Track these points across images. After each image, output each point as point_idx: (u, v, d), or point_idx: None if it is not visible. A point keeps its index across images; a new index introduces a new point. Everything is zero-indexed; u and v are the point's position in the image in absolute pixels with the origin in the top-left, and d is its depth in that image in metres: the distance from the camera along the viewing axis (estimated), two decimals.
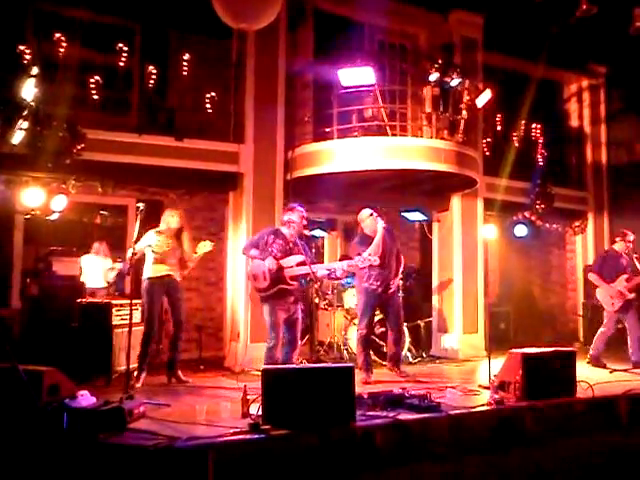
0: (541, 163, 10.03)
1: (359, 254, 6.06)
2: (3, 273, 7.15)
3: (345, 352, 7.97)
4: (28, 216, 6.92)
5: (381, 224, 6.50)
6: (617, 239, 7.71)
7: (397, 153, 7.78)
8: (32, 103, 6.15)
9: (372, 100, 8.46)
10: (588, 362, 7.43)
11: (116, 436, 3.99)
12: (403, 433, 4.54)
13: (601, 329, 7.54)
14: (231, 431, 4.12)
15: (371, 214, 6.63)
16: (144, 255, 6.28)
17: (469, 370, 7.72)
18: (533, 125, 9.97)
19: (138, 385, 6.01)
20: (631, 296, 7.26)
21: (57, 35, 6.90)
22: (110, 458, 3.84)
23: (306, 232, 6.09)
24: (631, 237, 7.57)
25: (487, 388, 5.72)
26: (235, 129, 8.09)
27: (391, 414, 4.70)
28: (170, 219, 6.38)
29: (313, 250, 9.47)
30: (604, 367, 7.25)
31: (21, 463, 3.77)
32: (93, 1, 7.65)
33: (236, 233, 7.94)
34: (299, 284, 5.81)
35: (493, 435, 4.93)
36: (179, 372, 6.40)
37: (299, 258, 5.65)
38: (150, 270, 6.24)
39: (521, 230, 9.82)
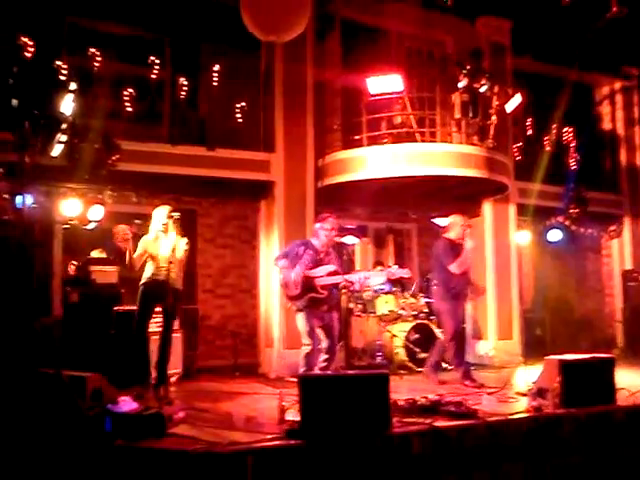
0: (574, 167, 9.90)
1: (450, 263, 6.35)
2: (44, 282, 7.31)
3: (379, 358, 7.96)
4: (67, 226, 7.08)
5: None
6: None
7: (427, 159, 7.77)
8: (70, 117, 6.30)
9: (401, 107, 8.46)
10: None
11: (156, 441, 4.05)
12: (440, 440, 4.52)
13: None
14: (269, 437, 4.15)
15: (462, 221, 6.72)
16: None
17: (505, 377, 7.62)
18: (565, 128, 9.85)
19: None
20: None
21: (92, 50, 7.07)
22: (151, 462, 3.89)
23: (337, 239, 6.13)
24: None
25: (524, 395, 5.66)
26: (265, 138, 8.17)
27: (427, 421, 4.67)
28: (159, 216, 5.88)
29: (344, 257, 9.54)
30: None
31: (64, 467, 3.85)
32: (125, 15, 7.83)
33: (268, 241, 8.01)
34: (331, 293, 5.82)
35: (531, 443, 4.86)
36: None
37: (330, 268, 5.69)
38: (145, 274, 5.88)
39: (555, 235, 9.70)
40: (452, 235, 6.71)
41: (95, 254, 7.36)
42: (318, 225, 5.91)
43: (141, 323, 5.81)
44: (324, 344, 5.75)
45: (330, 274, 5.66)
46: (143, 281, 5.85)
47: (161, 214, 5.85)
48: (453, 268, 6.48)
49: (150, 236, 5.85)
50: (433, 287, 6.94)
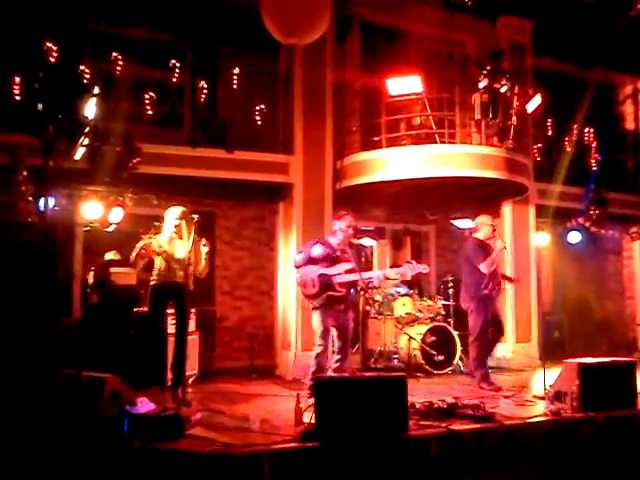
0: (595, 168, 9.79)
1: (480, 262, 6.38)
2: (65, 284, 7.43)
3: (395, 361, 7.95)
4: (87, 228, 7.18)
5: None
6: None
7: (446, 160, 7.74)
8: (93, 120, 6.39)
9: (420, 108, 8.44)
10: None
11: (174, 442, 4.10)
12: (457, 443, 4.51)
13: None
14: (285, 439, 4.18)
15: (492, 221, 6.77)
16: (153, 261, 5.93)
17: (523, 380, 7.57)
18: (586, 129, 9.74)
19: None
20: None
21: (114, 54, 7.17)
22: (168, 463, 3.95)
23: (354, 240, 6.12)
24: None
25: (542, 398, 5.63)
26: (284, 140, 8.20)
27: (444, 424, 4.67)
28: (171, 217, 5.91)
29: (362, 259, 9.54)
30: None
31: (83, 467, 3.92)
32: (146, 19, 7.91)
33: (287, 243, 8.04)
34: (348, 292, 5.83)
35: (549, 446, 4.84)
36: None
37: (348, 265, 5.68)
38: (155, 274, 5.90)
39: (575, 237, 9.59)
40: (480, 235, 6.72)
41: (109, 256, 7.46)
42: (336, 223, 5.97)
43: (152, 324, 5.87)
44: (337, 344, 5.76)
45: (347, 272, 5.67)
46: (152, 282, 5.88)
47: (173, 215, 5.90)
48: (483, 267, 6.47)
49: (163, 236, 5.89)
50: (463, 288, 6.92)
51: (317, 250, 5.76)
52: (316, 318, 5.75)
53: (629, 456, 4.93)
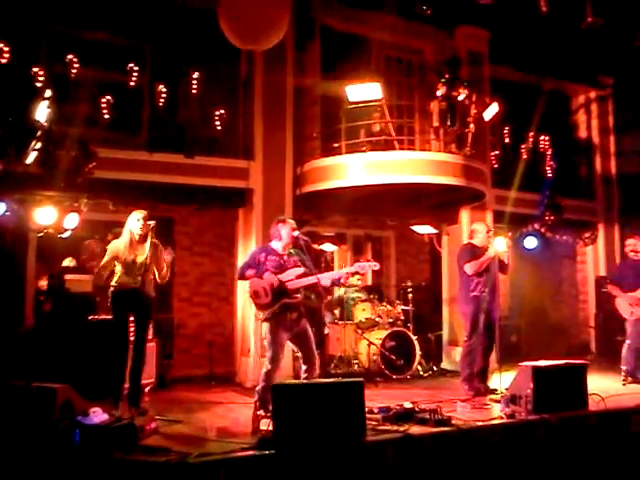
0: (550, 175, 10.04)
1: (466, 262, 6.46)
2: (17, 291, 7.23)
3: (356, 366, 7.98)
4: (41, 234, 7.01)
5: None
6: (630, 247, 7.50)
7: (405, 167, 7.82)
8: (45, 124, 6.25)
9: (380, 115, 8.52)
10: (624, 381, 7.08)
11: (128, 452, 4.02)
12: (414, 447, 4.54)
13: (626, 342, 7.27)
14: (242, 447, 4.15)
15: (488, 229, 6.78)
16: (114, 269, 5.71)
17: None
18: (541, 137, 9.99)
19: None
20: None
21: (69, 56, 7.04)
22: (122, 474, 3.87)
23: (316, 246, 6.03)
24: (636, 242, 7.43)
25: (498, 402, 5.71)
26: (244, 145, 8.19)
27: (401, 429, 4.70)
28: (134, 220, 5.67)
29: (322, 265, 9.54)
30: None
31: (34, 478, 3.82)
32: (105, 23, 7.79)
33: (246, 249, 7.99)
34: (304, 297, 5.68)
35: (504, 449, 4.92)
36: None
37: (298, 271, 5.40)
38: (116, 280, 5.67)
39: (531, 242, 9.79)
40: (477, 241, 6.74)
41: (66, 262, 7.29)
42: (279, 228, 5.58)
43: (116, 331, 5.63)
44: (300, 355, 5.52)
45: (299, 277, 5.39)
46: (114, 288, 5.65)
47: (135, 219, 5.69)
48: (467, 268, 6.53)
49: (122, 241, 5.69)
50: (457, 291, 7.04)
51: (263, 257, 5.48)
52: (268, 331, 5.37)
53: (581, 455, 5.03)
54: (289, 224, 5.56)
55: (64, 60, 7.04)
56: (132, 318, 5.76)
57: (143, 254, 5.59)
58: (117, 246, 5.66)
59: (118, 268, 5.65)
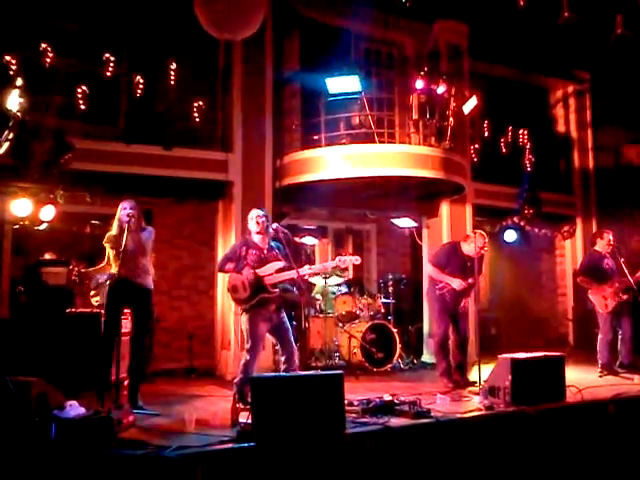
0: (529, 168, 10.11)
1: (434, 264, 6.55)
2: None
3: (336, 359, 7.98)
4: (17, 226, 6.89)
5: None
6: (597, 240, 7.59)
7: (385, 160, 7.83)
8: (18, 113, 6.12)
9: (359, 108, 8.50)
10: (600, 373, 7.13)
11: (105, 446, 3.96)
12: (393, 439, 4.55)
13: (599, 335, 7.32)
14: (220, 440, 4.11)
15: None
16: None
17: None
18: (520, 131, 10.05)
19: None
20: (624, 297, 7.13)
21: (43, 45, 6.91)
22: (98, 468, 3.81)
23: (297, 239, 6.01)
24: (609, 236, 7.44)
25: (477, 394, 5.75)
26: (224, 137, 8.13)
27: (381, 421, 4.70)
28: (125, 209, 5.50)
29: (303, 258, 9.53)
30: (617, 375, 7.03)
31: (7, 473, 3.75)
32: (81, 12, 7.67)
33: (226, 241, 7.94)
34: (285, 290, 5.67)
35: (483, 440, 4.94)
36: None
37: (277, 265, 5.37)
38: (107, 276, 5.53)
39: (510, 236, 9.87)
40: (465, 248, 6.65)
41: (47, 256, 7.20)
42: (257, 221, 5.49)
43: (109, 327, 5.42)
44: (279, 347, 5.53)
45: (278, 271, 5.36)
46: (108, 281, 5.48)
47: (123, 206, 5.52)
48: (430, 268, 6.65)
49: (112, 231, 5.54)
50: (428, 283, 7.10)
51: (244, 251, 5.45)
52: (246, 323, 5.36)
53: (558, 446, 5.07)
54: (267, 218, 5.53)
55: (38, 49, 6.91)
56: (127, 310, 5.63)
57: (136, 243, 5.40)
58: (108, 238, 5.53)
59: (112, 260, 5.48)
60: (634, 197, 10.89)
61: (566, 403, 5.41)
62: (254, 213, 5.55)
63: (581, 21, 8.22)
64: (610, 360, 7.24)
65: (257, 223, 5.46)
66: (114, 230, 5.55)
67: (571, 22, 7.75)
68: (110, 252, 5.52)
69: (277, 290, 5.42)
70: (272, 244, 5.53)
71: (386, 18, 9.15)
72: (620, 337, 7.29)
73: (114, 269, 5.46)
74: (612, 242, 7.39)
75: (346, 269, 9.35)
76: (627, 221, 10.64)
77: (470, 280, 6.50)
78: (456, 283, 6.46)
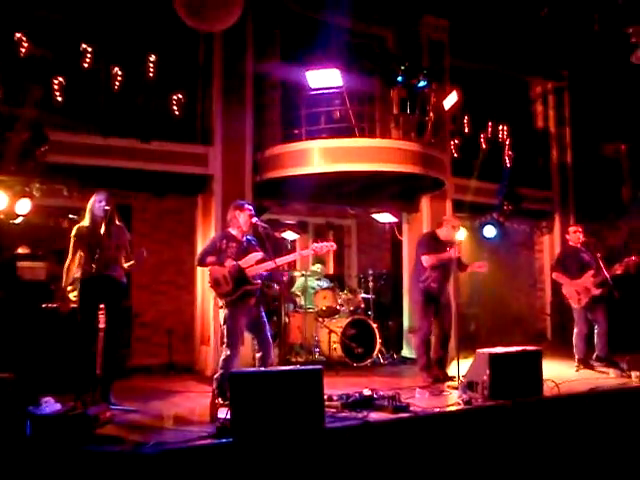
0: (509, 164, 10.18)
1: (423, 254, 6.47)
2: None
3: (316, 354, 7.97)
4: None
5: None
6: (567, 236, 7.73)
7: (365, 155, 7.81)
8: None
9: (340, 102, 8.48)
10: (577, 367, 7.22)
11: (81, 442, 3.92)
12: (372, 434, 4.56)
13: (575, 330, 7.41)
14: (199, 436, 4.09)
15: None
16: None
17: None
18: (500, 126, 10.10)
19: None
20: (597, 292, 7.21)
21: (18, 34, 6.78)
22: (75, 465, 3.77)
23: (278, 234, 6.00)
24: (576, 229, 7.62)
25: (456, 388, 5.78)
26: (203, 131, 8.05)
27: (360, 415, 4.71)
28: (96, 205, 5.39)
29: (284, 253, 9.49)
30: (593, 369, 7.14)
31: None
32: (60, 3, 7.53)
33: (206, 236, 7.88)
34: (264, 286, 5.67)
35: (461, 434, 4.97)
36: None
37: (257, 256, 5.39)
38: (83, 268, 5.37)
39: (490, 231, 9.90)
40: (442, 232, 6.71)
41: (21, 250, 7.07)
42: (237, 214, 5.52)
43: (87, 325, 5.30)
44: (256, 342, 5.52)
45: (258, 262, 5.37)
46: (81, 276, 5.35)
47: (98, 199, 5.40)
48: (424, 260, 6.56)
49: (85, 224, 5.41)
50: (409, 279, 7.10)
51: (224, 244, 5.44)
52: (227, 318, 5.33)
53: (536, 440, 5.13)
54: (247, 210, 5.51)
55: (14, 39, 6.78)
56: (101, 306, 5.49)
57: (108, 238, 5.29)
58: (80, 231, 5.39)
59: (84, 254, 5.33)
60: (611, 194, 11.02)
61: (543, 397, 5.47)
62: (247, 207, 5.56)
63: (560, 19, 8.31)
64: (586, 354, 7.33)
65: (249, 217, 5.47)
66: (87, 222, 5.41)
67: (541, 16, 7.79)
68: (80, 246, 5.34)
69: (259, 282, 5.44)
70: (248, 237, 5.58)
71: (369, 12, 9.11)
72: (596, 331, 7.37)
73: (86, 264, 5.29)
74: (581, 236, 7.53)
75: (326, 263, 9.35)
76: (604, 218, 10.76)
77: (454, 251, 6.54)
78: (450, 252, 6.49)
